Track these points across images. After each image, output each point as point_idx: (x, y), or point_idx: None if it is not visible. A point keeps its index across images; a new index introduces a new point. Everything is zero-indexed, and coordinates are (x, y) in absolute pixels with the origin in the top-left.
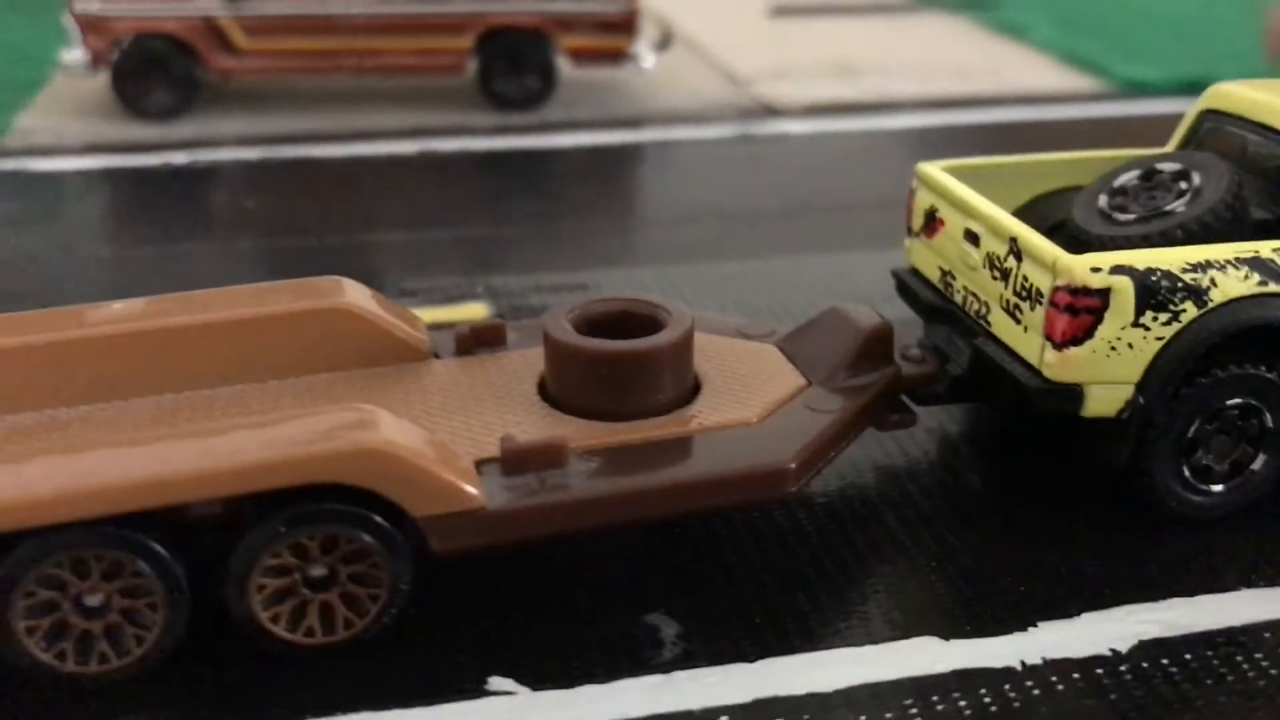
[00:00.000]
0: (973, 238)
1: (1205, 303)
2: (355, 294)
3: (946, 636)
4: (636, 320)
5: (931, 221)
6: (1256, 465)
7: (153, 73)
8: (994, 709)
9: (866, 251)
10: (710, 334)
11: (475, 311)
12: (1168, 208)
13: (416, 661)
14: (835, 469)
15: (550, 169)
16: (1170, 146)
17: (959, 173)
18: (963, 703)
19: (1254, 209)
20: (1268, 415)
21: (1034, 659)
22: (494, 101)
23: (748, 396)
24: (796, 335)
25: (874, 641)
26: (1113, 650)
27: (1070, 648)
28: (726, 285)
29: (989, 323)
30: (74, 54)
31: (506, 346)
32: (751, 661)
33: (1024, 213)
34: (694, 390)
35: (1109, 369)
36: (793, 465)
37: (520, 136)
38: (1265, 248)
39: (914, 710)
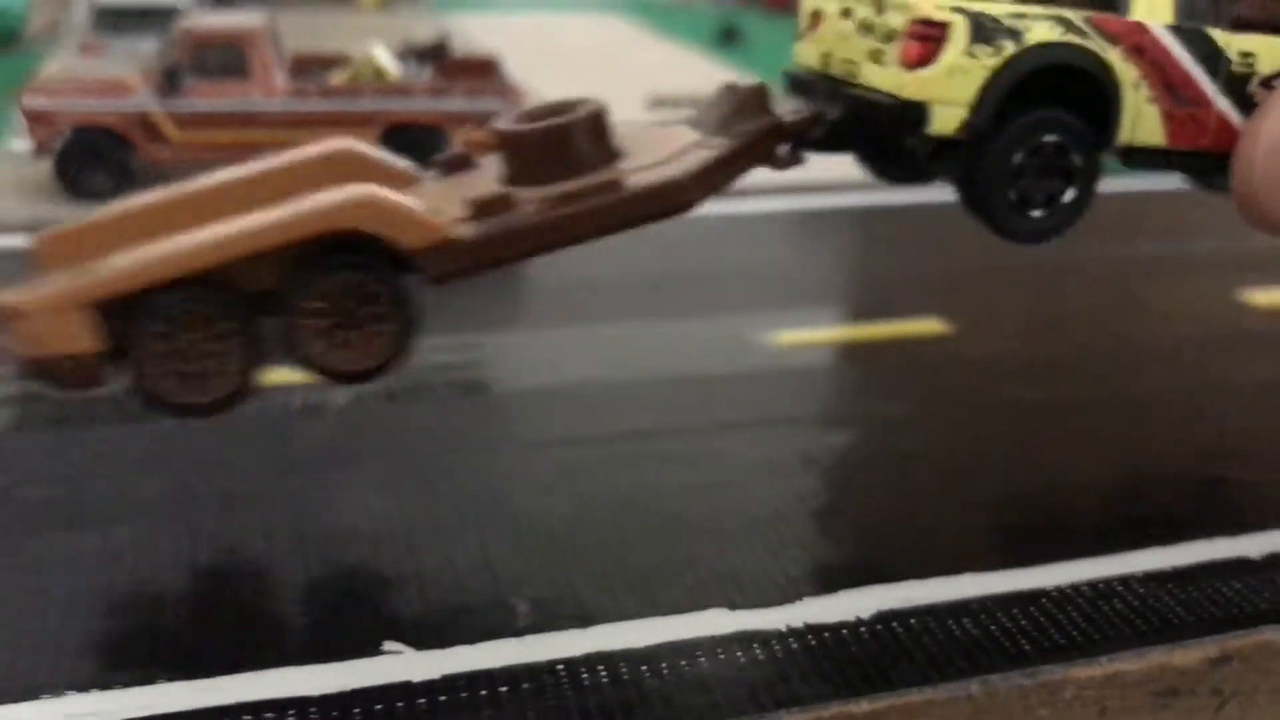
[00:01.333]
0: (846, 13)
1: (1021, 42)
2: (356, 142)
3: (733, 608)
4: (563, 110)
5: (816, 18)
6: (1066, 197)
7: (92, 160)
8: (761, 659)
9: (714, 317)
10: (632, 126)
11: None
12: None
13: (325, 628)
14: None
15: None
16: None
17: None
18: (740, 656)
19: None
20: (1075, 155)
21: (798, 624)
22: None
23: (653, 151)
24: (698, 113)
25: (679, 612)
26: (857, 617)
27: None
28: (603, 348)
29: (858, 76)
30: (22, 142)
31: (476, 166)
32: (584, 628)
33: None
34: (615, 155)
35: (949, 90)
36: (687, 180)
37: None
38: (1070, 13)
39: (702, 659)
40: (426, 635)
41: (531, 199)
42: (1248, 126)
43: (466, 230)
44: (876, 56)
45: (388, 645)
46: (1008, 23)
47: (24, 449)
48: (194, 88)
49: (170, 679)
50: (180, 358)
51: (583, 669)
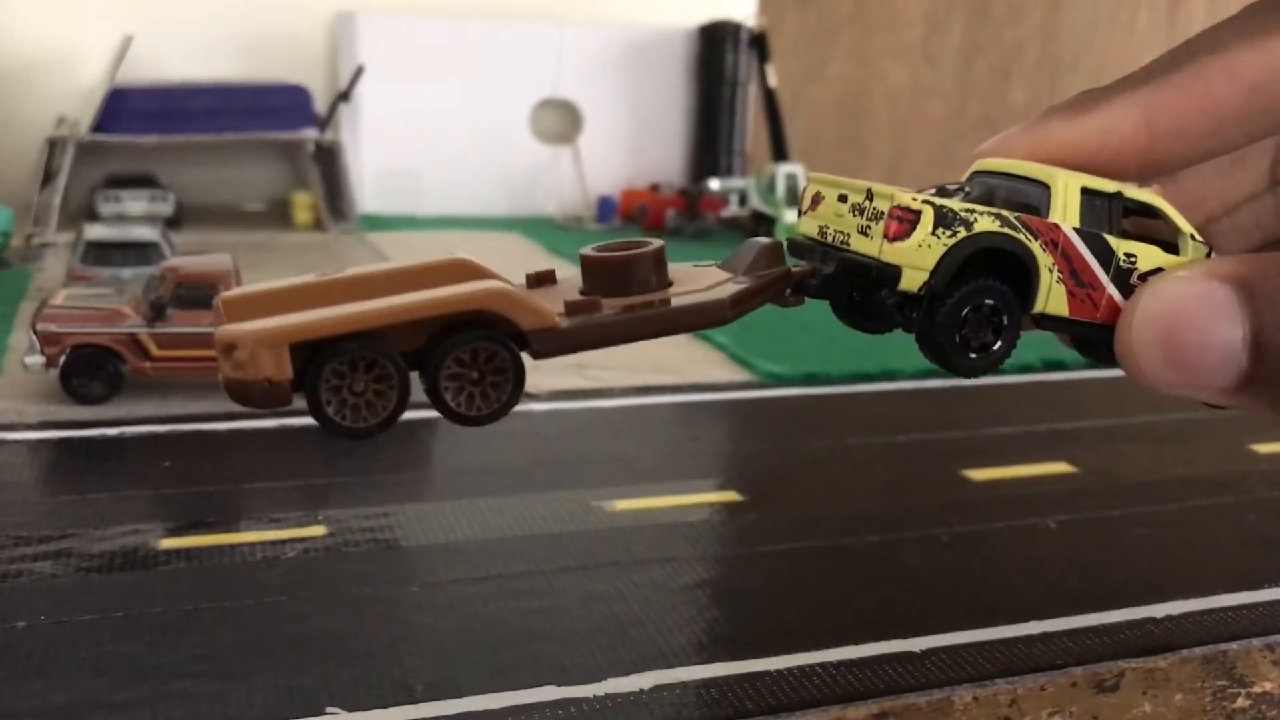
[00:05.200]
0: (843, 198)
1: (971, 229)
2: (471, 257)
3: (559, 684)
4: (633, 245)
5: (816, 200)
6: (995, 347)
7: (90, 371)
8: (575, 716)
9: (568, 490)
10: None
11: (316, 530)
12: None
13: (284, 698)
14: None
15: (371, 438)
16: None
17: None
18: (561, 714)
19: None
20: (1004, 316)
21: (601, 694)
22: None
23: (699, 282)
24: (726, 260)
25: (524, 688)
26: (640, 689)
27: (622, 689)
28: (485, 514)
29: (848, 244)
30: (35, 358)
31: (557, 282)
32: (459, 697)
33: None
34: (669, 283)
35: (916, 258)
36: (728, 301)
37: None
38: (1007, 212)
39: (537, 716)
40: (355, 703)
41: (611, 305)
42: (1128, 305)
43: (565, 321)
44: (865, 231)
45: (329, 709)
46: (962, 214)
47: None
48: (174, 315)
49: None
50: (350, 391)
51: None
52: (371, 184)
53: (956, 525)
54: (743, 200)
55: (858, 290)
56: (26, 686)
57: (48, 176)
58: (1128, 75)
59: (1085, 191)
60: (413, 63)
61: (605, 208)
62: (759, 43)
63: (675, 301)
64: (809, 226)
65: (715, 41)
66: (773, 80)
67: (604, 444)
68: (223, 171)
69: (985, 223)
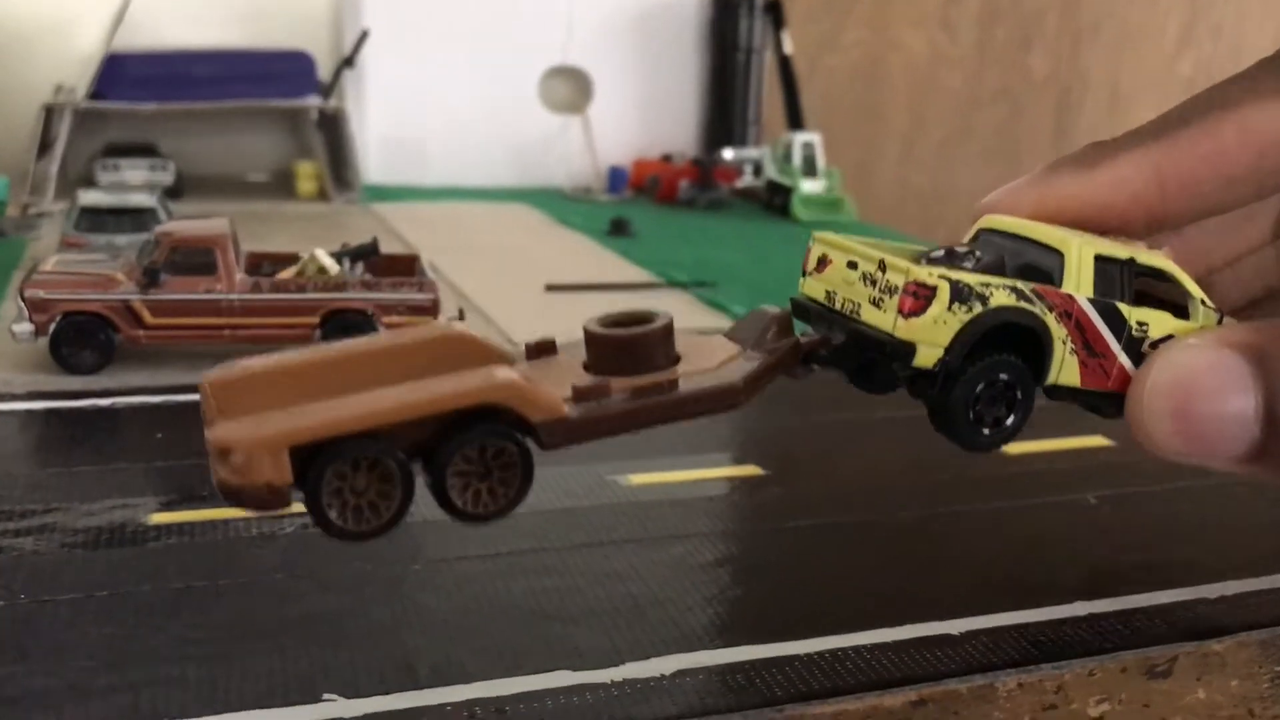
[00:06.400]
0: (852, 265)
1: (987, 304)
2: (465, 329)
3: (574, 669)
4: (637, 318)
5: (822, 262)
6: (1009, 421)
7: (81, 340)
8: (591, 702)
9: (585, 465)
10: (683, 334)
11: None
12: (962, 266)
13: (280, 682)
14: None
15: None
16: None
17: (840, 237)
18: (575, 700)
19: (1009, 274)
20: (1018, 390)
21: (619, 679)
22: None
23: (708, 359)
24: (733, 328)
25: (535, 673)
26: (661, 674)
27: (640, 674)
28: None
29: (859, 315)
30: (23, 326)
31: (558, 353)
32: (466, 683)
33: None
34: (677, 358)
35: (932, 335)
36: (740, 384)
37: None
38: (1022, 284)
39: (549, 702)
40: (355, 688)
41: (619, 388)
42: (1138, 374)
43: (573, 411)
44: (878, 303)
45: (326, 695)
46: (978, 289)
47: None
48: (169, 281)
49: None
50: (352, 492)
51: (464, 710)
52: (377, 153)
53: (992, 500)
54: (757, 170)
55: (873, 362)
56: (3, 670)
57: (44, 145)
58: (1137, 129)
59: (1099, 259)
60: (419, 28)
61: (616, 178)
62: (774, 9)
63: (685, 384)
64: (815, 289)
65: (729, 7)
66: (788, 47)
67: None
68: (224, 141)
69: (1001, 296)
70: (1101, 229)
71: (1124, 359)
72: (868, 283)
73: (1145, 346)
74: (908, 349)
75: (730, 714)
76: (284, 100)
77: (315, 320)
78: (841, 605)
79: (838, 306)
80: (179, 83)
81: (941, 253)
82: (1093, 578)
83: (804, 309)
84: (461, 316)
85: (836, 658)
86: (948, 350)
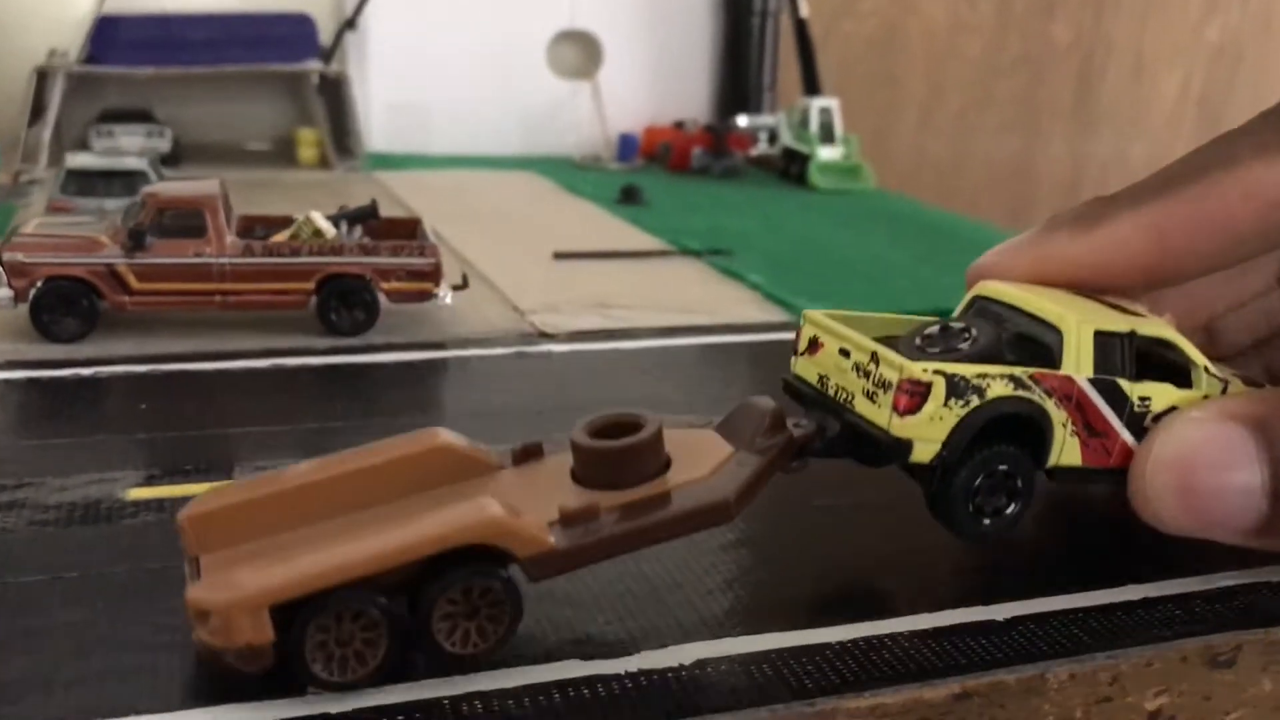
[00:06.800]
0: (845, 353)
1: (984, 397)
2: (449, 436)
3: (585, 658)
4: (625, 425)
5: (814, 345)
6: (1009, 511)
7: (63, 306)
8: (603, 694)
9: None
10: (672, 428)
11: None
12: (958, 347)
13: (272, 681)
14: None
15: (372, 379)
16: (956, 314)
17: (830, 318)
18: (586, 693)
19: (1006, 353)
20: (1019, 479)
21: (633, 669)
22: (329, 328)
23: (699, 463)
24: (725, 422)
25: (542, 663)
26: (680, 663)
27: (657, 663)
28: None
29: (853, 406)
30: (2, 291)
31: (544, 456)
32: (466, 674)
33: None
34: (667, 464)
35: (928, 431)
36: (732, 499)
37: (349, 355)
38: (1019, 371)
39: (556, 696)
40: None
41: (609, 506)
42: (1140, 450)
43: (561, 539)
44: (871, 396)
45: (311, 689)
46: (974, 381)
47: None
48: (156, 245)
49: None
50: (336, 643)
51: (463, 703)
52: (380, 119)
53: None
54: (773, 138)
55: (869, 456)
56: None
57: (37, 111)
58: (1136, 185)
59: (1099, 334)
60: None
61: (626, 146)
62: None
63: (677, 497)
64: (808, 371)
65: None
66: (804, 11)
67: (629, 388)
68: (223, 107)
69: (998, 387)
70: (1099, 289)
71: (1126, 435)
72: (860, 374)
73: (1148, 421)
74: (904, 447)
75: (756, 708)
76: (284, 64)
77: (310, 286)
78: (875, 589)
79: (831, 394)
80: (175, 46)
81: (936, 329)
82: (1145, 558)
83: (797, 392)
84: (465, 283)
85: (872, 645)
86: (945, 445)
